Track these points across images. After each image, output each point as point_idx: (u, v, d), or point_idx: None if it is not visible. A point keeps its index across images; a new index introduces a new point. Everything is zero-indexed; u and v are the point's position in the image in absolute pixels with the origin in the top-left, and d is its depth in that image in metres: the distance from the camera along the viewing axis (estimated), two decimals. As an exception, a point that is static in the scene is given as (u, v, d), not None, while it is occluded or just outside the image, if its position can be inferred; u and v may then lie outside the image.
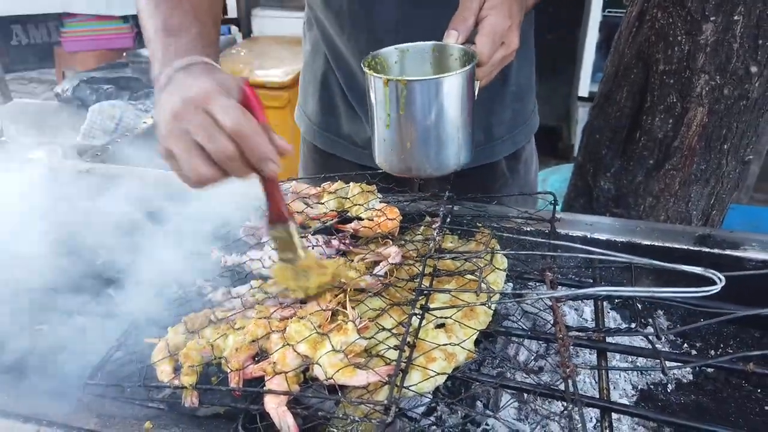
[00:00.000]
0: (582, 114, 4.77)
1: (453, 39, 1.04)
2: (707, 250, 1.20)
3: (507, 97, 1.50)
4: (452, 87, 1.00)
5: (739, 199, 3.44)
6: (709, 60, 1.66)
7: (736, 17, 1.59)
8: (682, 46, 1.68)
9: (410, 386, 0.85)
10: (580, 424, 0.78)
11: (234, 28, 6.20)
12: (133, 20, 5.54)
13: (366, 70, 1.03)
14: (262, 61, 4.42)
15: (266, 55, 4.61)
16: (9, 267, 1.20)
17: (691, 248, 1.21)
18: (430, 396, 0.98)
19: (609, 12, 4.53)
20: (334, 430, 0.84)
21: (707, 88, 1.69)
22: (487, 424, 0.97)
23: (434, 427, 0.97)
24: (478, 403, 1.03)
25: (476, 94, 1.07)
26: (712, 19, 1.61)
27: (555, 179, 2.84)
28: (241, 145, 0.82)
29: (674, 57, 1.71)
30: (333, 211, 1.26)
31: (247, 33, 5.61)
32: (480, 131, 1.50)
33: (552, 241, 1.09)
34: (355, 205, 1.25)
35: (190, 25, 1.01)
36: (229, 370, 0.88)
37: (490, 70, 1.06)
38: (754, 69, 1.64)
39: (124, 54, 5.00)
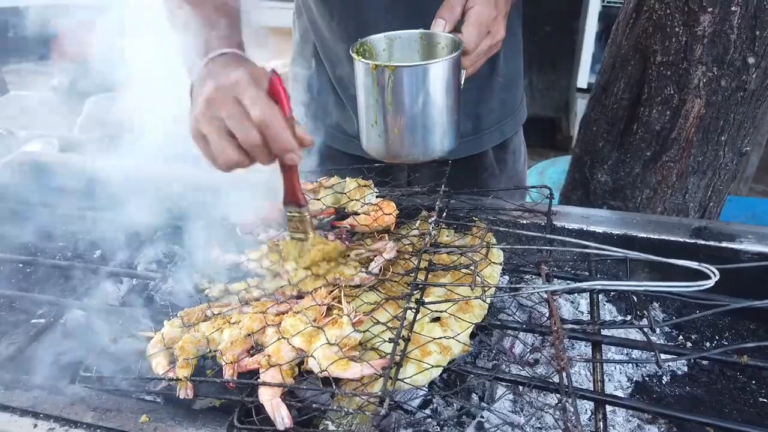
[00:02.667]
0: (581, 105, 4.75)
1: (440, 27, 1.06)
2: (703, 242, 1.20)
3: (495, 87, 1.51)
4: (438, 73, 1.01)
5: (738, 191, 3.45)
6: (707, 51, 1.65)
7: (733, 8, 1.57)
8: (679, 37, 1.67)
9: (405, 379, 0.85)
10: (573, 417, 0.78)
11: (232, 20, 6.16)
12: (130, 12, 5.50)
13: (354, 56, 1.04)
14: (261, 53, 4.40)
15: (265, 47, 4.58)
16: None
17: (687, 241, 1.21)
18: (426, 389, 0.98)
19: (608, 2, 4.49)
20: (329, 422, 0.85)
21: (704, 80, 1.68)
22: (482, 417, 0.97)
23: (430, 419, 0.97)
24: (474, 396, 1.04)
25: (463, 82, 1.09)
26: (709, 10, 1.60)
27: (553, 171, 2.83)
28: (265, 134, 0.88)
29: (671, 48, 1.70)
30: (330, 207, 1.26)
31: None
32: (468, 121, 1.51)
33: (548, 236, 1.09)
34: (352, 200, 1.25)
35: (219, 17, 1.06)
36: (223, 363, 0.88)
37: (477, 59, 1.08)
38: (751, 60, 1.63)
39: (121, 46, 4.97)
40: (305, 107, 1.63)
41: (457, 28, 1.06)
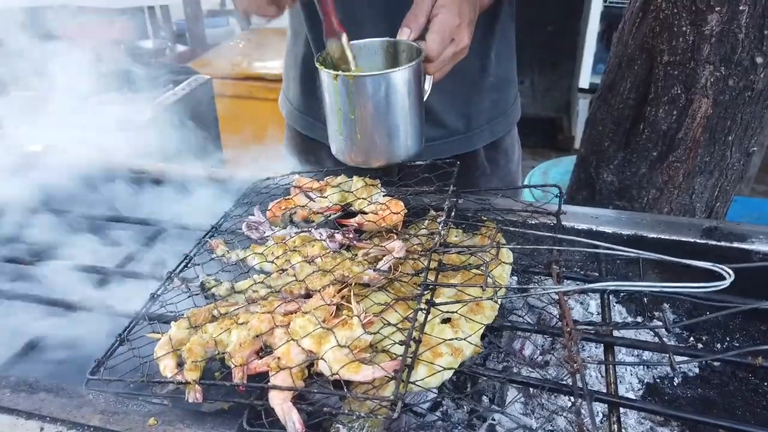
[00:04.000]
0: (582, 105, 4.75)
1: (405, 36, 1.09)
2: (714, 242, 1.19)
3: (485, 87, 1.51)
4: (398, 81, 1.05)
5: (740, 191, 3.44)
6: (714, 51, 1.64)
7: (741, 7, 1.57)
8: (686, 36, 1.66)
9: (416, 381, 0.84)
10: (588, 419, 0.77)
11: (232, 20, 6.17)
12: (130, 13, 5.51)
13: (318, 65, 1.09)
14: (262, 53, 4.40)
15: (265, 46, 4.58)
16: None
17: (698, 241, 1.20)
18: (436, 391, 0.97)
19: (610, 2, 4.49)
20: (340, 426, 0.83)
21: (712, 79, 1.67)
22: (493, 419, 0.96)
23: (440, 422, 0.96)
24: (484, 398, 1.02)
25: (429, 88, 1.13)
26: (717, 9, 1.59)
27: (556, 171, 2.82)
28: None
29: (678, 48, 1.69)
30: (336, 204, 1.24)
31: (246, 25, 5.57)
32: (459, 120, 1.51)
33: (558, 235, 1.08)
34: (359, 198, 1.23)
35: None
36: (232, 366, 0.87)
37: (441, 66, 1.11)
38: (759, 60, 1.62)
39: (122, 46, 4.97)
40: (298, 104, 1.63)
41: (422, 36, 1.09)
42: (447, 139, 1.53)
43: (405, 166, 1.39)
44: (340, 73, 1.05)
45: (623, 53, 1.86)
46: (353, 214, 1.22)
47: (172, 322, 0.96)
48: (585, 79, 4.84)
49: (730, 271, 0.88)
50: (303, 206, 1.24)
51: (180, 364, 0.90)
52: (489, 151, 1.62)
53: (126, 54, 4.19)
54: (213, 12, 6.08)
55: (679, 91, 1.73)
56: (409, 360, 0.83)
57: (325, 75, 1.07)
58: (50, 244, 1.27)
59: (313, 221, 1.22)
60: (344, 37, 1.10)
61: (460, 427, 0.95)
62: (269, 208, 1.25)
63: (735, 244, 1.17)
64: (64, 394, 0.89)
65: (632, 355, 1.14)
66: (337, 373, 0.82)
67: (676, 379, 1.11)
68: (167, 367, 0.89)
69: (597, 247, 1.02)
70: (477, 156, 1.60)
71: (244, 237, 1.21)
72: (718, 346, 1.18)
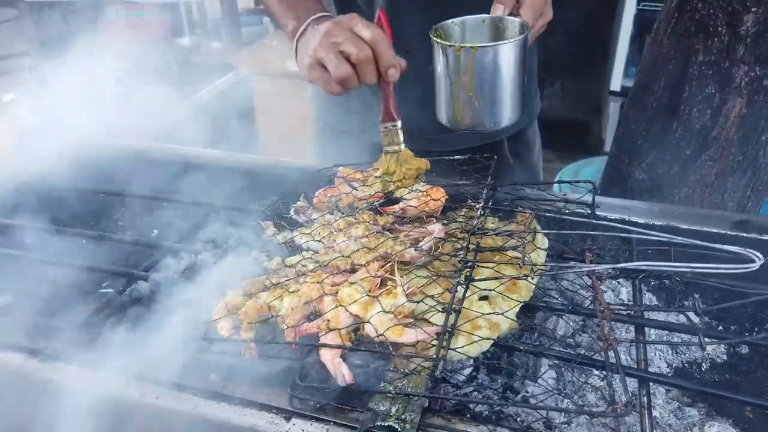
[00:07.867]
0: (614, 108, 4.73)
1: (500, 11, 1.18)
2: (745, 235, 1.22)
3: None
4: (513, 51, 1.13)
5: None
6: (749, 51, 1.66)
7: (778, 8, 1.59)
8: (722, 36, 1.69)
9: (457, 348, 0.90)
10: (622, 392, 0.82)
11: (266, 19, 6.28)
12: (168, 9, 5.65)
13: (437, 39, 1.16)
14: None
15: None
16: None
17: (729, 233, 1.23)
18: (471, 365, 1.02)
19: (644, 5, 4.47)
20: (387, 383, 0.89)
21: (746, 79, 1.69)
22: (526, 391, 1.01)
23: (475, 393, 1.01)
24: (518, 372, 1.07)
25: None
26: (753, 9, 1.62)
27: (588, 171, 2.84)
28: (376, 51, 1.12)
29: (714, 48, 1.71)
30: (379, 192, 1.31)
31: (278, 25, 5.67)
32: None
33: (592, 221, 1.13)
34: (401, 187, 1.30)
35: None
36: (285, 327, 0.94)
37: (532, 39, 1.20)
38: (794, 60, 1.64)
39: (162, 42, 5.10)
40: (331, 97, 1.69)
41: (512, 12, 1.18)
42: None
43: (444, 159, 1.45)
44: (464, 44, 1.12)
45: (658, 53, 1.89)
46: (396, 201, 1.29)
47: (228, 290, 1.04)
48: (617, 82, 4.81)
49: (760, 255, 0.92)
50: (347, 194, 1.30)
51: (234, 327, 0.97)
52: (512, 142, 1.69)
53: (165, 49, 4.32)
54: (248, 10, 6.20)
55: (713, 91, 1.75)
56: (449, 327, 0.89)
57: (446, 48, 1.13)
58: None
59: (358, 207, 1.29)
60: (399, 123, 1.25)
61: (495, 398, 1.01)
62: (316, 195, 1.32)
63: (765, 237, 1.20)
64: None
65: (662, 340, 1.17)
66: (382, 335, 0.89)
67: (704, 364, 1.14)
68: (224, 329, 0.96)
69: (630, 232, 1.07)
70: (501, 147, 1.66)
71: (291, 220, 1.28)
72: (747, 335, 1.21)
